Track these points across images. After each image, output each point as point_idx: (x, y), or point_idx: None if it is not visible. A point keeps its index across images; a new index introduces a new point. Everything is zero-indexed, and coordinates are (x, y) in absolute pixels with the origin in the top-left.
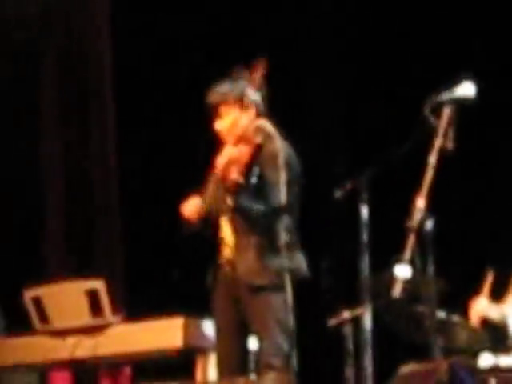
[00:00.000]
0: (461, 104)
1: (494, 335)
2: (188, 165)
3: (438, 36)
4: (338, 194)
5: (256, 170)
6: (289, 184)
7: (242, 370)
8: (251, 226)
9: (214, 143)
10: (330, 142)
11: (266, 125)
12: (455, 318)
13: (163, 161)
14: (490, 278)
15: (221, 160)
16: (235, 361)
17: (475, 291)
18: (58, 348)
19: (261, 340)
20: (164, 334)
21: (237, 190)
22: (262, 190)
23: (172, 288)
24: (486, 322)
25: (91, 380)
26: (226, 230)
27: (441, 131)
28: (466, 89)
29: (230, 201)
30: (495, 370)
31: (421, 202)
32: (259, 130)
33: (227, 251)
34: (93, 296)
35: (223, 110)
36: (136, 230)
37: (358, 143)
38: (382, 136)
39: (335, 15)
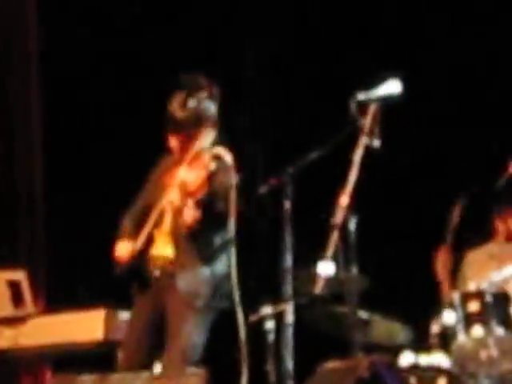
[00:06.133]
0: (386, 102)
1: (416, 334)
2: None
3: (365, 33)
4: (261, 189)
5: (204, 199)
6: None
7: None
8: (195, 247)
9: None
10: (254, 137)
11: (223, 152)
12: (376, 316)
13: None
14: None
15: (176, 188)
16: (142, 357)
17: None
18: None
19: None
20: (85, 326)
21: (192, 227)
22: (208, 217)
23: (95, 279)
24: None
25: (12, 376)
26: (163, 243)
27: (366, 129)
28: (392, 86)
29: (185, 231)
30: (415, 369)
31: (344, 200)
32: (215, 156)
33: (163, 263)
34: (14, 287)
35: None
36: (59, 217)
37: (282, 140)
38: (307, 133)
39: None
